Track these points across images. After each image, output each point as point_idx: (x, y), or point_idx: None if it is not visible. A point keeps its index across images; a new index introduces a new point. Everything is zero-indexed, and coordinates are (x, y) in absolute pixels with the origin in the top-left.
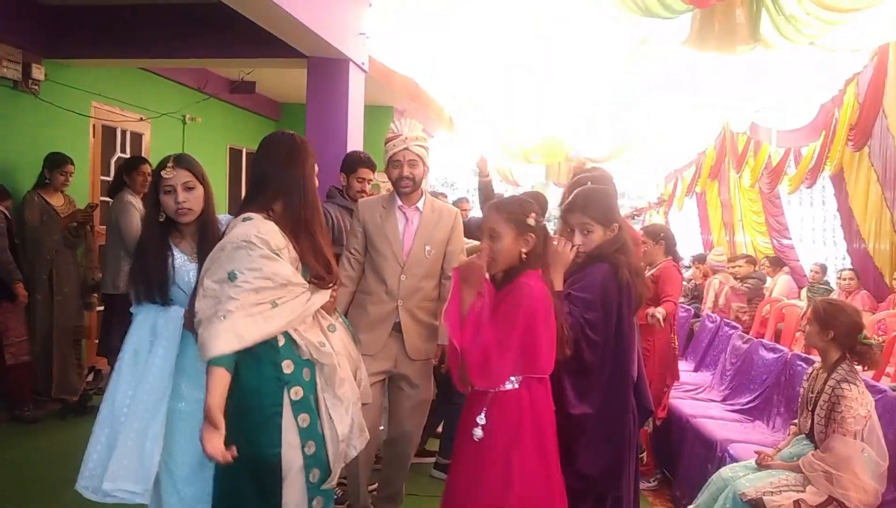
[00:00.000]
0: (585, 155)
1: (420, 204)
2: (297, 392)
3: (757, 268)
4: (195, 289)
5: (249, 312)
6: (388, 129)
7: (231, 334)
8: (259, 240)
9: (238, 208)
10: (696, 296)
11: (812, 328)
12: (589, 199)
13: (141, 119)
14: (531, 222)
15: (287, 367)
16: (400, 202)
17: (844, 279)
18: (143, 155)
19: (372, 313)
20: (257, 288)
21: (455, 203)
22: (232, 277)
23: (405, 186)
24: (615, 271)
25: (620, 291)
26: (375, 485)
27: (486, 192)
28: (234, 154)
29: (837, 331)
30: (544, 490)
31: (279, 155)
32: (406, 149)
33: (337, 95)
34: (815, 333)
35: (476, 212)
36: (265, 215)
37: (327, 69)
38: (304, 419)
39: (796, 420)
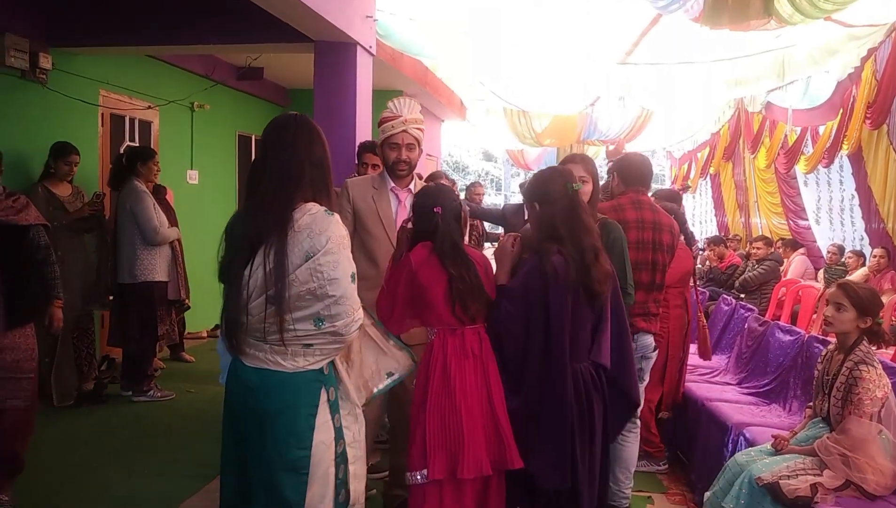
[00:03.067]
0: (598, 137)
1: (412, 186)
2: (332, 393)
3: (773, 250)
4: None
5: None
6: (386, 108)
7: None
8: (348, 239)
9: (263, 194)
10: (710, 278)
11: (847, 313)
12: (530, 180)
13: (149, 107)
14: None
15: (326, 368)
16: (392, 184)
17: (875, 257)
18: (151, 143)
19: (366, 299)
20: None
21: (469, 188)
22: (353, 278)
23: (402, 169)
24: (541, 260)
25: (547, 281)
26: (386, 473)
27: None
28: (244, 141)
29: (872, 317)
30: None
31: (299, 140)
32: (405, 131)
33: (345, 79)
34: (850, 319)
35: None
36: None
37: (334, 53)
38: (337, 419)
39: (812, 403)
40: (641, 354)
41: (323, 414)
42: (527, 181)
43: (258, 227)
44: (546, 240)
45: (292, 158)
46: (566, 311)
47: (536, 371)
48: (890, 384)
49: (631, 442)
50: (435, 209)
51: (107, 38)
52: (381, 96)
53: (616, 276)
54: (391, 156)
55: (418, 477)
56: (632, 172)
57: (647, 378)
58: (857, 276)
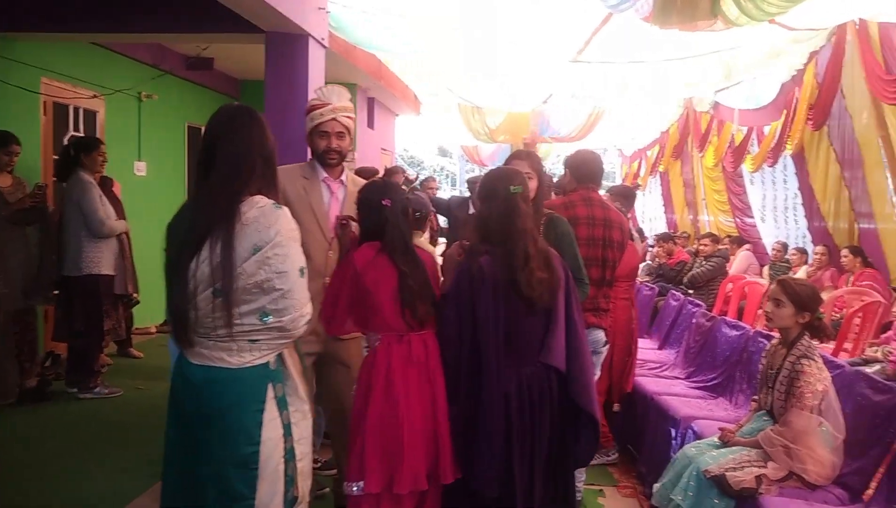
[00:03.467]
0: (551, 134)
1: (343, 177)
2: (279, 389)
3: (722, 246)
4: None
5: None
6: (314, 95)
7: None
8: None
9: (211, 187)
10: (660, 275)
11: (786, 309)
12: (482, 178)
13: (94, 96)
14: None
15: (273, 363)
16: (325, 174)
17: (817, 254)
18: (97, 133)
19: None
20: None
21: (423, 183)
22: (302, 273)
23: (332, 159)
24: (469, 261)
25: (472, 284)
26: (336, 470)
27: None
28: (193, 132)
29: (811, 312)
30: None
31: (253, 133)
32: (334, 119)
33: (296, 71)
34: (789, 314)
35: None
36: None
37: (286, 45)
38: (286, 415)
39: (756, 396)
40: (592, 349)
41: (270, 410)
42: (476, 177)
43: (207, 219)
44: (481, 240)
45: (243, 151)
46: (494, 312)
47: (468, 375)
48: (830, 378)
49: None
50: (384, 202)
51: (49, 23)
52: None
53: (568, 278)
54: (321, 144)
55: (354, 489)
56: (584, 170)
57: (598, 373)
58: (799, 274)
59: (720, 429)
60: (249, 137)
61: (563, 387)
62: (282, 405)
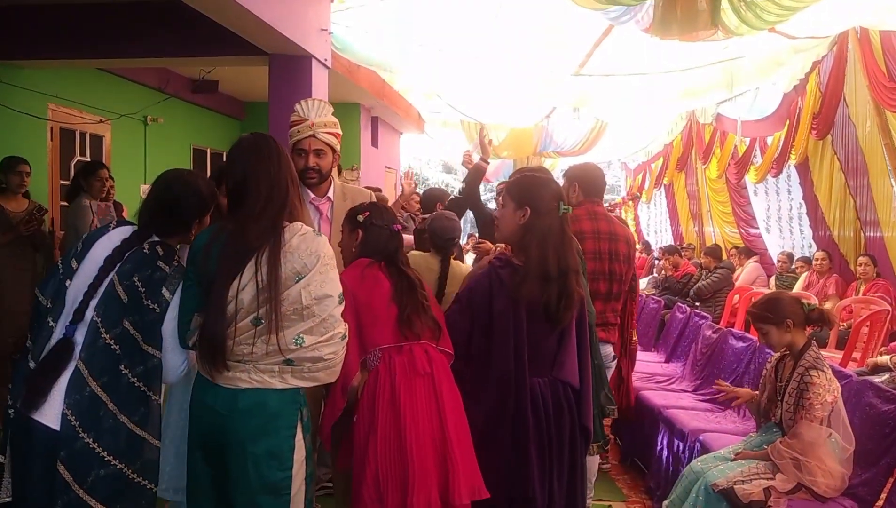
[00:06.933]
0: (555, 149)
1: (330, 193)
2: (305, 413)
3: (727, 258)
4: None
5: None
6: (294, 110)
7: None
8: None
9: (250, 213)
10: (666, 287)
11: (771, 333)
12: (518, 176)
13: (101, 121)
14: (360, 219)
15: (302, 390)
16: (311, 195)
17: (817, 260)
18: (103, 158)
19: None
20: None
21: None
22: (340, 300)
23: (311, 178)
24: (490, 270)
25: (491, 291)
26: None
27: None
28: (199, 155)
29: (792, 317)
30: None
31: (282, 161)
32: (312, 136)
33: (300, 92)
34: (776, 333)
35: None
36: None
37: (289, 66)
38: (308, 438)
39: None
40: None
41: (299, 434)
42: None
43: (249, 243)
44: (518, 249)
45: (278, 177)
46: (513, 321)
47: (471, 379)
48: (839, 389)
49: (589, 452)
50: (360, 217)
51: (55, 50)
52: (338, 109)
53: (583, 296)
54: (299, 163)
55: None
56: (594, 184)
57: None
58: (799, 282)
59: (733, 452)
60: (279, 165)
61: (577, 403)
62: (306, 428)
